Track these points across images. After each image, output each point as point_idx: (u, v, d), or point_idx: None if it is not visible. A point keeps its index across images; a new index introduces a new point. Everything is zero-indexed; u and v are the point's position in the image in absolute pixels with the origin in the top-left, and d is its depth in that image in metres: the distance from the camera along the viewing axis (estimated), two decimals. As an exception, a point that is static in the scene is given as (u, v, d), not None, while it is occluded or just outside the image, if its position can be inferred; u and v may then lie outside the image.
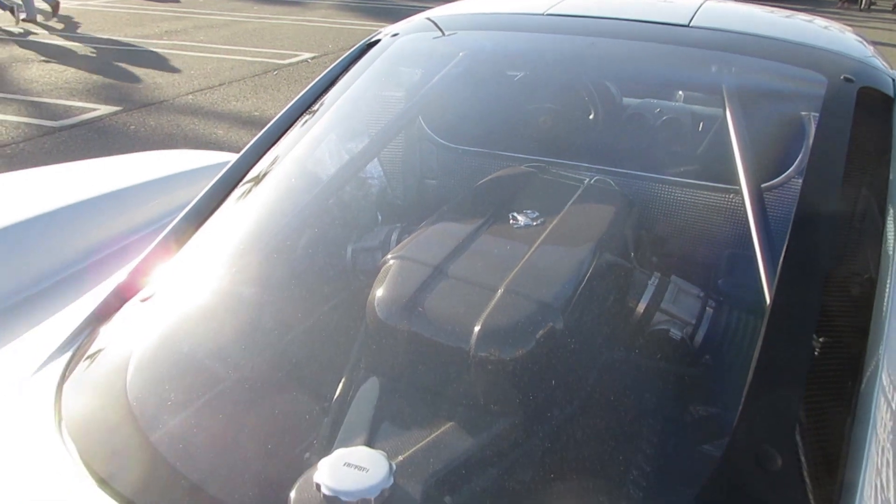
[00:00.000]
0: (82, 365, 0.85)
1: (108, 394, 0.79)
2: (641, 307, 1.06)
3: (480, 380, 0.87)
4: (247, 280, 1.05)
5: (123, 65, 6.54)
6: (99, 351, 0.86)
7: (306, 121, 1.52)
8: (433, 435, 0.82)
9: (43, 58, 6.67)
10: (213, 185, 1.27)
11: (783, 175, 1.45)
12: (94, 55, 6.90)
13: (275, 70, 6.53)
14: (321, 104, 1.56)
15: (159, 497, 0.67)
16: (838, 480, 0.71)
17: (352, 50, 1.68)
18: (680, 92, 2.09)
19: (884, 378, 0.82)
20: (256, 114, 5.14)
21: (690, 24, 1.52)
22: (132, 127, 4.81)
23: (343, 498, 0.70)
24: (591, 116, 1.84)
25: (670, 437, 0.82)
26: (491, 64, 1.71)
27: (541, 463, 0.81)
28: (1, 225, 1.12)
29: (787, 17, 1.76)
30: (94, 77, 6.05)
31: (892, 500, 0.72)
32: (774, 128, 1.46)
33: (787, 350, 0.79)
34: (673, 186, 1.49)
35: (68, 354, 0.88)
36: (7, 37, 7.58)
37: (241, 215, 1.23)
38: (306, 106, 1.55)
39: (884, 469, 0.74)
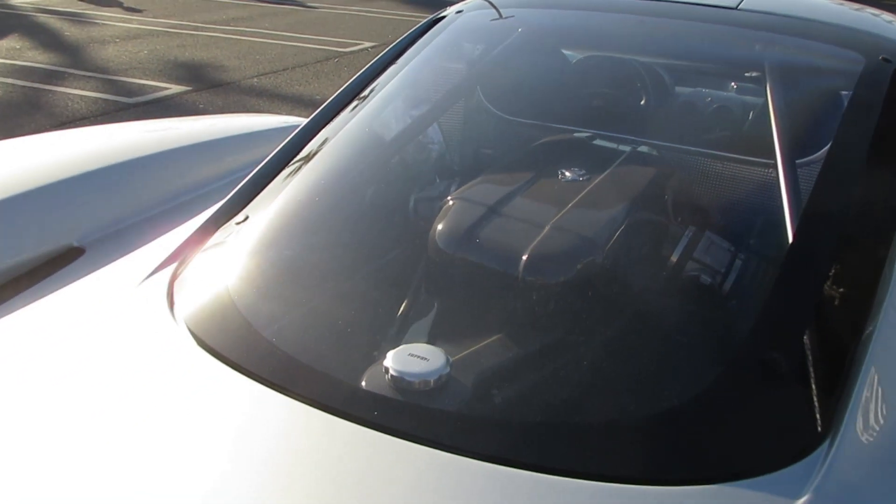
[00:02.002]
0: (190, 266, 1.00)
1: (211, 284, 0.94)
2: (675, 253, 1.16)
3: (526, 300, 0.99)
4: (321, 213, 1.20)
5: (192, 48, 6.83)
6: (203, 256, 1.02)
7: (374, 87, 1.66)
8: (483, 343, 0.95)
9: (118, 39, 7.01)
10: (290, 139, 1.42)
11: (819, 152, 1.53)
12: (166, 38, 7.21)
13: (336, 58, 6.74)
14: (388, 73, 1.70)
15: (256, 362, 0.82)
16: (837, 392, 0.82)
17: (419, 25, 1.81)
18: (733, 83, 2.17)
19: (890, 314, 0.92)
20: (318, 97, 5.34)
21: (738, 7, 1.61)
22: (201, 105, 5.05)
23: (407, 378, 0.83)
24: (642, 102, 1.94)
25: (691, 355, 0.93)
26: (547, 41, 1.82)
27: (576, 372, 0.93)
28: (120, 160, 1.30)
29: (833, 1, 1.83)
30: (166, 58, 6.34)
31: (882, 415, 0.82)
32: (813, 107, 1.54)
33: (801, 279, 0.90)
34: (713, 160, 1.58)
35: (176, 263, 1.03)
36: (83, 19, 7.97)
37: (315, 165, 1.37)
38: (375, 74, 1.69)
39: (878, 388, 0.83)
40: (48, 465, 0.71)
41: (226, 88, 5.52)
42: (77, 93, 5.17)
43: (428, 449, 0.73)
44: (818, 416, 0.78)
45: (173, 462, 0.71)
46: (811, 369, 0.83)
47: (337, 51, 7.04)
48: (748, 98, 2.01)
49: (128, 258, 1.12)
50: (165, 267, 1.04)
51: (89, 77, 5.62)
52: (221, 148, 1.53)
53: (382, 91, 1.65)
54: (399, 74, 1.69)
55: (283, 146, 1.38)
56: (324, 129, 1.48)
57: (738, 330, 0.96)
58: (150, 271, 1.04)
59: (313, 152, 1.40)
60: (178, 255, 1.07)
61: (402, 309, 1.04)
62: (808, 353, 0.82)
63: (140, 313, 0.95)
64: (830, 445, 0.75)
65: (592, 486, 0.69)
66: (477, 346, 0.94)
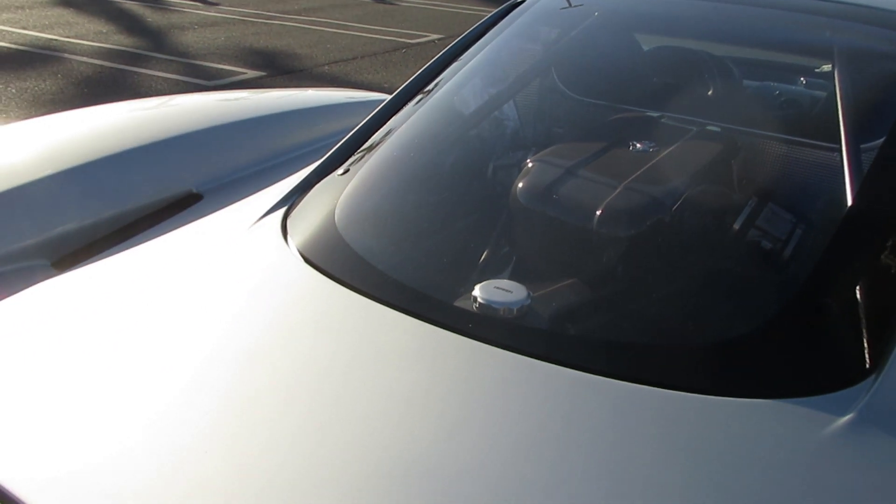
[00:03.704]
0: (299, 207, 1.15)
1: (318, 220, 1.09)
2: (739, 218, 1.25)
3: (598, 250, 1.10)
4: (412, 168, 1.33)
5: (267, 36, 7.09)
6: (311, 199, 1.16)
7: (456, 65, 1.78)
8: (559, 284, 1.06)
9: (196, 26, 7.32)
10: (380, 110, 1.55)
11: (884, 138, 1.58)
12: (241, 26, 7.49)
13: (404, 48, 6.90)
14: (469, 53, 1.82)
15: (359, 278, 0.96)
16: (885, 337, 0.90)
17: (499, 9, 1.93)
18: (802, 79, 2.22)
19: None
20: (386, 86, 5.51)
21: None
22: (275, 90, 5.28)
23: (493, 305, 0.95)
24: (710, 91, 2.01)
25: (754, 296, 1.03)
26: (621, 26, 1.91)
27: (642, 313, 1.03)
28: (232, 120, 1.46)
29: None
30: (242, 45, 6.61)
31: None
32: (880, 93, 1.60)
33: (855, 239, 0.98)
34: (778, 141, 1.65)
35: (287, 206, 1.18)
36: (163, 6, 8.33)
37: (404, 131, 1.50)
38: (457, 54, 1.82)
39: None
40: (185, 375, 0.84)
41: (298, 75, 5.73)
42: (160, 75, 5.45)
43: (507, 352, 0.84)
44: (866, 355, 0.87)
45: (294, 360, 0.84)
46: (862, 317, 0.91)
47: (405, 42, 7.20)
48: (816, 92, 2.06)
49: (243, 202, 1.27)
50: (278, 209, 1.19)
51: (171, 61, 5.91)
52: (318, 115, 1.68)
53: (464, 69, 1.76)
54: (479, 54, 1.81)
55: (374, 114, 1.52)
56: (410, 102, 1.61)
57: (797, 279, 1.05)
58: (264, 212, 1.19)
59: (401, 121, 1.52)
60: (289, 200, 1.21)
61: (484, 255, 1.16)
62: (861, 304, 0.90)
63: (257, 242, 1.09)
64: (875, 379, 0.84)
65: (659, 393, 0.79)
66: (553, 287, 1.06)
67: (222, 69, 5.71)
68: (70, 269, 1.11)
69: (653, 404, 0.78)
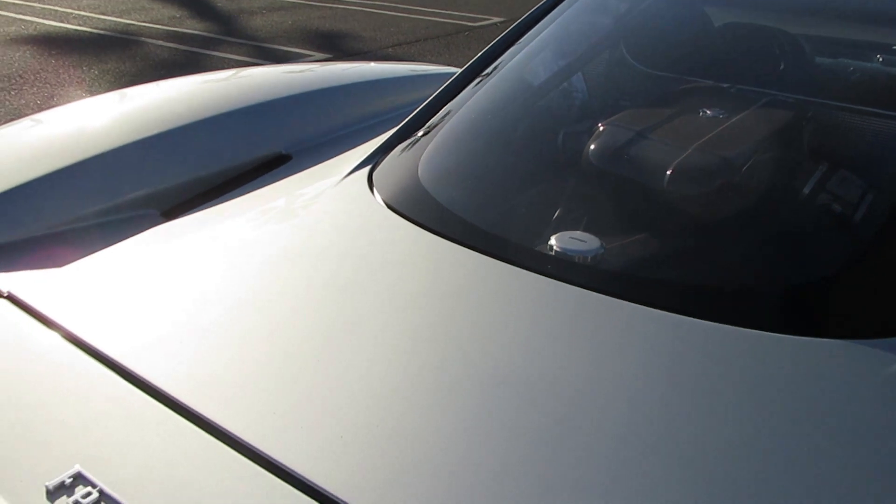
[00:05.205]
0: (384, 164, 1.23)
1: (403, 174, 1.17)
2: (809, 183, 1.28)
3: (669, 207, 1.15)
4: (487, 131, 1.40)
5: (332, 19, 7.22)
6: (394, 158, 1.25)
7: (526, 38, 1.84)
8: (630, 238, 1.12)
9: (264, 10, 7.51)
10: (453, 80, 1.62)
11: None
12: (307, 10, 7.65)
13: (466, 31, 6.95)
14: (539, 26, 1.87)
15: (443, 224, 1.03)
16: None
17: (569, -17, 1.96)
18: (879, 56, 2.19)
19: None
20: (449, 67, 5.57)
21: None
22: (341, 71, 5.40)
23: (567, 253, 1.01)
24: (781, 67, 2.01)
25: (819, 251, 1.07)
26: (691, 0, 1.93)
27: (711, 261, 1.08)
28: (315, 88, 1.56)
29: None
30: (308, 28, 6.76)
31: None
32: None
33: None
34: (849, 112, 1.65)
35: (372, 163, 1.26)
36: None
37: (478, 98, 1.57)
38: (527, 27, 1.87)
39: None
40: (286, 307, 0.93)
41: (363, 57, 5.85)
42: (231, 57, 5.64)
43: (583, 290, 0.91)
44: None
45: (385, 293, 0.92)
46: None
47: (467, 25, 7.25)
48: (894, 69, 2.03)
49: (329, 162, 1.36)
50: (363, 167, 1.27)
51: (241, 44, 6.10)
52: (395, 85, 1.77)
53: (534, 41, 1.82)
54: (549, 27, 1.86)
55: (449, 84, 1.59)
56: (483, 73, 1.68)
57: (864, 235, 1.08)
58: (350, 169, 1.27)
59: (476, 90, 1.59)
60: (373, 159, 1.29)
61: (558, 211, 1.22)
62: None
63: (346, 194, 1.18)
64: None
65: (730, 330, 0.84)
66: (624, 240, 1.11)
67: (290, 52, 5.87)
68: (177, 217, 1.22)
69: (721, 339, 0.83)
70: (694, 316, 0.86)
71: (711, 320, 0.85)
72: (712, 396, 0.76)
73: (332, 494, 0.61)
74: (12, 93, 4.66)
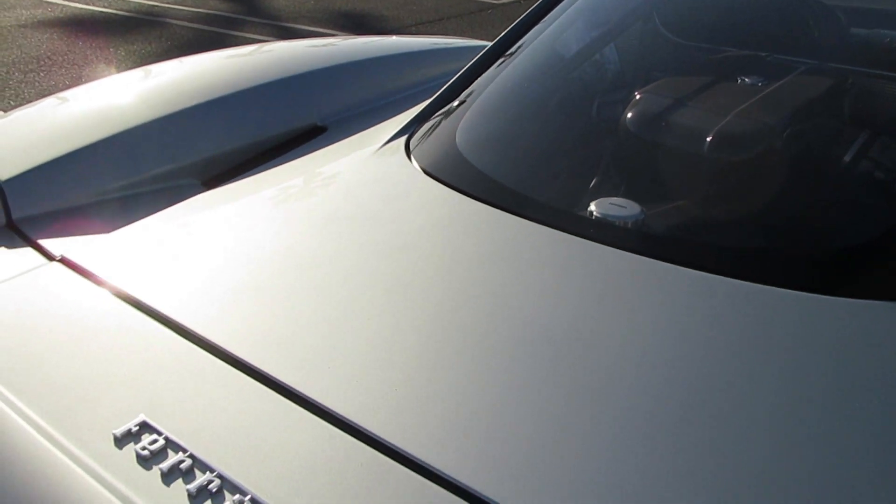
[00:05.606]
0: (420, 132, 1.24)
1: (439, 141, 1.17)
2: (850, 150, 1.27)
3: (710, 174, 1.14)
4: (521, 101, 1.40)
5: (354, 0, 7.21)
6: (432, 125, 1.25)
7: (557, 10, 1.83)
8: (668, 205, 1.12)
9: (287, -9, 7.51)
10: (485, 52, 1.62)
11: None
12: (330, -10, 7.64)
13: (490, 9, 6.90)
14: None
15: (481, 189, 1.04)
16: None
17: (600, -46, 1.94)
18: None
19: None
20: (472, 45, 5.54)
21: None
22: (365, 50, 5.39)
23: (608, 218, 1.01)
24: (817, 37, 1.98)
25: (859, 214, 1.06)
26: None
27: (755, 222, 1.07)
28: (346, 61, 1.57)
29: None
30: (330, 8, 6.75)
31: None
32: None
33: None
34: (888, 80, 1.63)
35: (408, 133, 1.27)
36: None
37: (510, 70, 1.56)
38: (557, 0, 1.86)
39: None
40: (326, 268, 0.95)
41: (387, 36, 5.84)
42: (254, 37, 5.65)
43: (624, 251, 0.91)
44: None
45: (427, 256, 0.93)
46: None
47: (491, 2, 7.19)
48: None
49: (365, 133, 1.37)
50: (400, 137, 1.28)
51: (263, 24, 6.11)
52: (427, 58, 1.77)
53: (566, 13, 1.81)
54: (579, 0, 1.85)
55: (482, 55, 1.59)
56: (515, 44, 1.67)
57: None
58: (386, 139, 1.28)
59: (509, 61, 1.59)
60: (409, 129, 1.30)
61: (596, 178, 1.22)
62: None
63: (384, 161, 1.19)
64: None
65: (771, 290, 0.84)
66: (663, 206, 1.11)
67: (313, 31, 5.87)
68: (218, 186, 1.24)
69: (764, 300, 0.84)
70: (737, 277, 0.86)
71: (753, 281, 0.85)
72: (751, 355, 0.76)
73: (390, 442, 0.62)
74: (41, 74, 4.71)
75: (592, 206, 1.03)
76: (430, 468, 0.60)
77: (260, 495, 0.58)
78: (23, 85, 4.51)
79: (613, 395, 0.70)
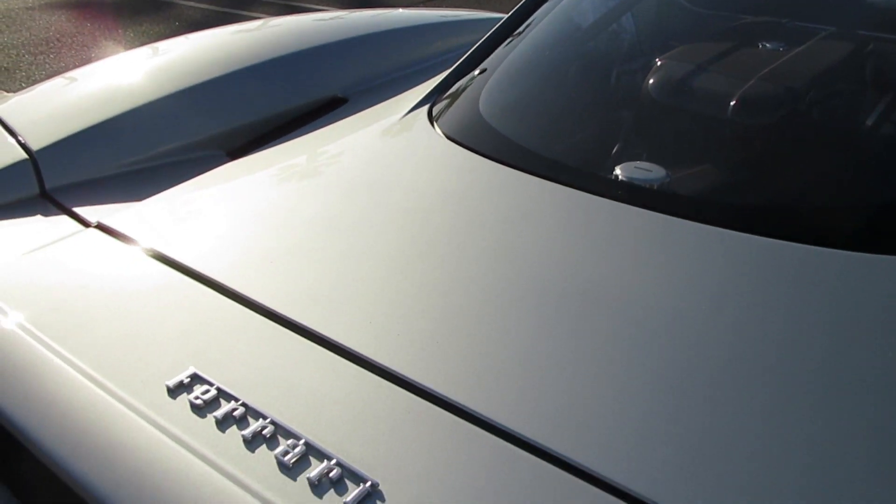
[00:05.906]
0: (443, 101, 1.25)
1: (463, 109, 1.19)
2: (872, 115, 1.27)
3: (734, 138, 1.15)
4: (542, 69, 1.40)
5: (361, -23, 7.16)
6: (454, 93, 1.26)
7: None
8: (693, 168, 1.13)
9: (293, -30, 7.46)
10: (503, 23, 1.62)
11: None
12: (335, -31, 7.59)
13: (496, -14, 6.85)
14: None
15: (506, 153, 1.05)
16: None
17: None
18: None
19: None
20: (481, 22, 5.51)
21: None
22: (373, 29, 5.37)
23: (634, 182, 1.02)
24: (838, 4, 1.97)
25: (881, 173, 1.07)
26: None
27: (779, 183, 1.08)
28: (365, 32, 1.59)
29: None
30: (338, -13, 6.71)
31: None
32: None
33: None
34: None
35: (430, 102, 1.28)
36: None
37: (528, 40, 1.56)
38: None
39: None
40: (357, 230, 0.96)
41: (394, 14, 5.81)
42: (262, 16, 5.63)
43: (649, 211, 0.93)
44: None
45: (454, 218, 0.95)
46: None
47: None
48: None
49: (386, 103, 1.38)
50: (422, 105, 1.29)
51: (271, 3, 6.08)
52: (444, 30, 1.77)
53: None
54: (597, -31, 1.84)
55: (500, 26, 1.59)
56: (534, 14, 1.67)
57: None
58: (409, 108, 1.29)
59: (528, 30, 1.59)
60: (430, 98, 1.31)
61: (620, 143, 1.23)
62: None
63: (408, 129, 1.20)
64: None
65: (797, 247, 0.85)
66: (686, 169, 1.12)
67: (320, 9, 5.85)
68: (242, 156, 1.25)
69: (791, 256, 0.85)
70: (766, 236, 0.87)
71: (779, 238, 0.86)
72: (781, 309, 0.77)
73: (429, 387, 0.64)
74: (51, 56, 4.72)
75: (619, 170, 1.04)
76: (472, 412, 0.62)
77: (314, 440, 0.59)
78: (33, 67, 4.52)
79: (645, 348, 0.71)
